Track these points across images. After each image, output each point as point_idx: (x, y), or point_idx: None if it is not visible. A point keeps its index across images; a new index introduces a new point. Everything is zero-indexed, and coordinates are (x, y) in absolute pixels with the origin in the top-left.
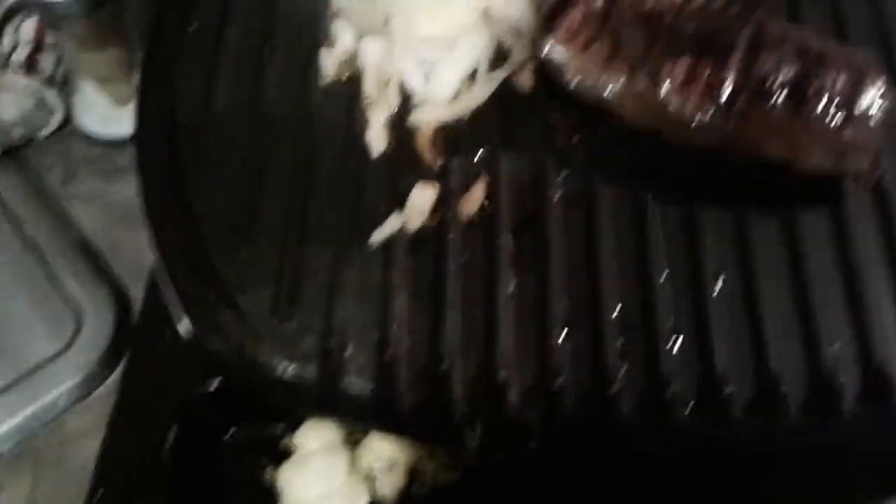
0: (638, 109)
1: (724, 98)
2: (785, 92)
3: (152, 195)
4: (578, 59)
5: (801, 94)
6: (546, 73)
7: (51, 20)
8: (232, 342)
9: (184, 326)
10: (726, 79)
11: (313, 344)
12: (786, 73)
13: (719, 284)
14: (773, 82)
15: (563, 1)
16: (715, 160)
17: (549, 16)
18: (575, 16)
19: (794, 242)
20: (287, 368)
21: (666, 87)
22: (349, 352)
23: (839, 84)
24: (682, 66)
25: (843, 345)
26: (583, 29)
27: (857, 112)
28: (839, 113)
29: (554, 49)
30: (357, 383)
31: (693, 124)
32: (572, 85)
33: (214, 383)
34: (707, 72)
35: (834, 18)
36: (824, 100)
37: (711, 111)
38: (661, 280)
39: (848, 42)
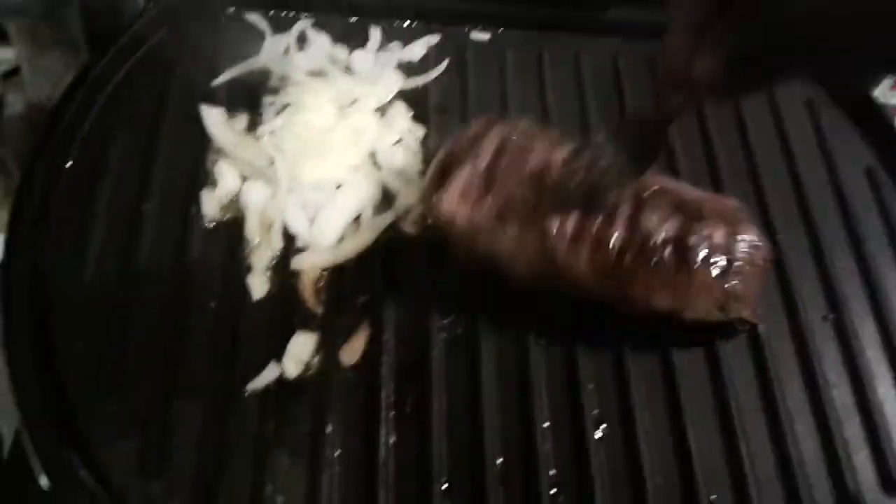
0: (530, 266)
1: (613, 254)
2: (668, 248)
3: (16, 337)
4: (469, 218)
5: (682, 250)
6: (435, 228)
7: None
8: (92, 502)
9: (42, 482)
10: (613, 235)
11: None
12: (667, 230)
13: (600, 432)
14: (657, 240)
15: (448, 162)
16: (598, 307)
17: (438, 177)
18: (462, 176)
19: (672, 385)
20: None
21: (556, 243)
22: None
23: (716, 237)
24: (570, 222)
25: (722, 493)
26: (471, 189)
27: (735, 263)
28: (719, 265)
29: (445, 210)
30: None
31: (583, 280)
32: (464, 243)
33: None
34: (595, 228)
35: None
36: (703, 253)
37: (601, 266)
38: (544, 427)
39: (722, 188)
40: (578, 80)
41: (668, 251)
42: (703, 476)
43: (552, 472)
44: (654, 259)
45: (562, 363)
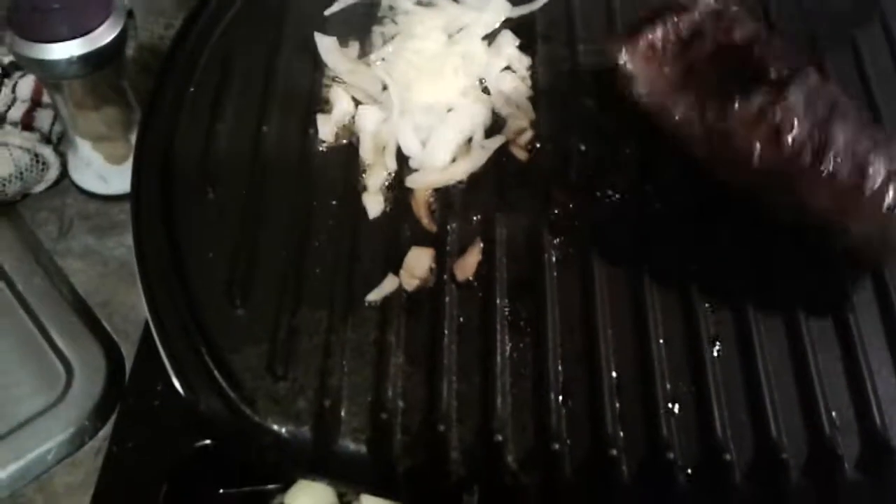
0: (700, 140)
1: (789, 149)
2: (847, 162)
3: (147, 255)
4: (652, 75)
5: (860, 169)
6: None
7: (48, 81)
8: (224, 404)
9: (176, 384)
10: (794, 130)
11: (307, 405)
12: (850, 144)
13: (716, 351)
14: (838, 151)
15: (650, 17)
16: (711, 221)
17: (634, 27)
18: (658, 34)
19: (791, 312)
20: (280, 429)
21: (734, 122)
22: (343, 413)
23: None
24: (754, 104)
25: (843, 412)
26: (663, 49)
27: None
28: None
29: (631, 60)
30: (351, 446)
31: (754, 164)
32: (641, 97)
33: (206, 441)
34: (778, 116)
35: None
36: (881, 179)
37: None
38: (659, 344)
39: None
40: None
41: (846, 163)
42: (824, 392)
43: (668, 387)
44: (830, 168)
45: (674, 283)
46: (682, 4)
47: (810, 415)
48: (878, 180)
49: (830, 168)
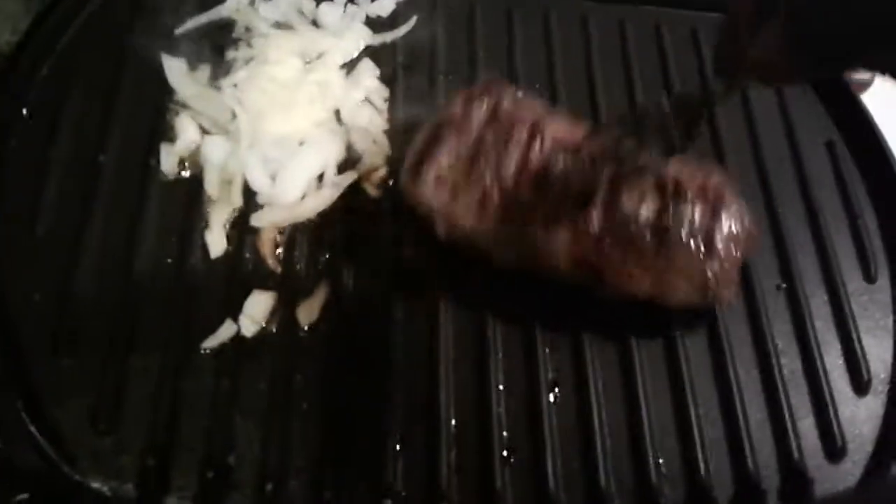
0: (510, 255)
1: (591, 241)
2: (648, 230)
3: None
4: (449, 205)
5: (661, 232)
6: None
7: None
8: (41, 459)
9: None
10: (591, 221)
11: (132, 461)
12: (647, 210)
13: (552, 396)
14: (636, 221)
15: (428, 146)
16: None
17: (416, 162)
18: (442, 162)
19: (626, 349)
20: (101, 487)
21: (536, 228)
22: (171, 469)
23: (697, 215)
24: (550, 207)
25: (671, 460)
26: (450, 175)
27: (717, 244)
28: (701, 247)
29: (424, 197)
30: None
31: (561, 265)
32: (442, 230)
33: (19, 497)
34: (574, 212)
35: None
36: (684, 235)
37: (581, 255)
38: (499, 389)
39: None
40: (547, 40)
41: (647, 234)
42: (653, 439)
43: (505, 434)
44: (634, 242)
45: (519, 330)
46: (452, 118)
47: (640, 462)
48: (680, 237)
49: (634, 242)
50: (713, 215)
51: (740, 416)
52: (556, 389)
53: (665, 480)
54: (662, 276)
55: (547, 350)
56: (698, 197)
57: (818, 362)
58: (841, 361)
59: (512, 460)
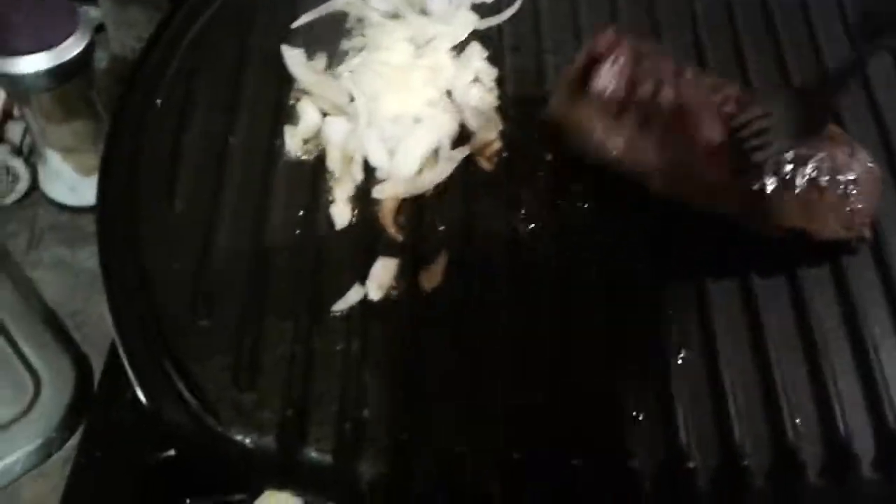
0: (664, 174)
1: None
2: (801, 171)
3: (111, 265)
4: (609, 125)
5: (813, 173)
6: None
7: (17, 94)
8: (187, 414)
9: (139, 395)
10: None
11: (272, 415)
12: (797, 153)
13: (681, 357)
14: (793, 163)
15: (586, 69)
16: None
17: (575, 80)
18: (602, 82)
19: (754, 312)
20: (244, 440)
21: (698, 156)
22: (309, 423)
23: (839, 158)
24: (714, 136)
25: (806, 419)
26: (611, 96)
27: (856, 183)
28: (844, 185)
29: (582, 116)
30: (316, 456)
31: (721, 192)
32: (599, 151)
33: (171, 452)
34: (736, 146)
35: None
36: (829, 176)
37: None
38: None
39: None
40: (654, 20)
41: (801, 174)
42: (788, 398)
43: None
44: (792, 182)
45: (645, 288)
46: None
47: (775, 421)
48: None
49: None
50: (851, 156)
51: (877, 374)
52: (684, 349)
53: (803, 438)
54: (816, 211)
55: (671, 311)
56: (834, 141)
57: None
58: None
59: (642, 421)
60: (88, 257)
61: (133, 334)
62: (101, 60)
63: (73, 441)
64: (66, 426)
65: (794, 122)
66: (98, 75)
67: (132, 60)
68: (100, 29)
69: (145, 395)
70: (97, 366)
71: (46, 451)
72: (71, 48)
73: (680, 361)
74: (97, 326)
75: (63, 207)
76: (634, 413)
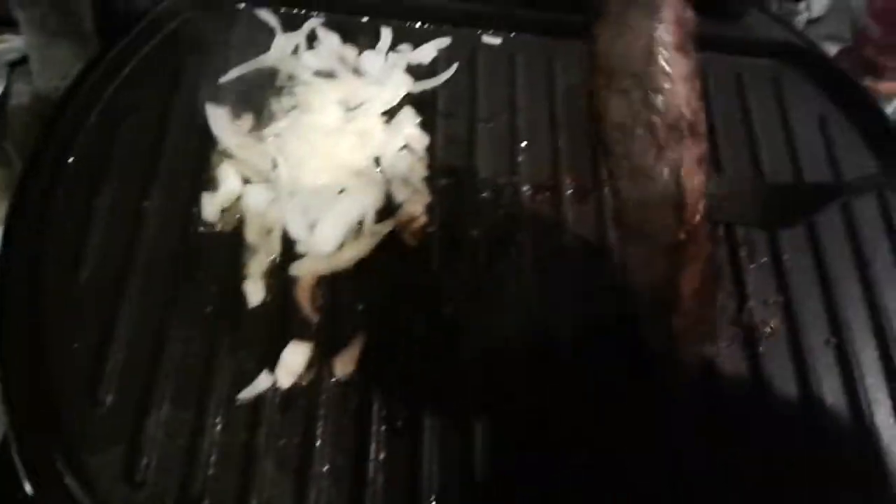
0: None
1: None
2: None
3: (7, 340)
4: None
5: None
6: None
7: None
8: None
9: (27, 489)
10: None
11: None
12: None
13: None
14: None
15: None
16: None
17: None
18: None
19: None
20: None
21: None
22: None
23: None
24: None
25: None
26: None
27: None
28: None
29: None
30: None
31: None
32: None
33: None
34: None
35: None
36: None
37: None
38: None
39: None
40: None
41: None
42: None
43: None
44: None
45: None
46: None
47: None
48: None
49: None
50: None
51: None
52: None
53: None
54: None
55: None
56: None
57: None
58: None
59: None
60: None
61: (23, 416)
62: (21, 95)
63: None
64: None
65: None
66: (17, 112)
67: (54, 100)
68: (21, 62)
69: (32, 488)
70: None
71: None
72: None
73: None
74: None
75: None
76: None
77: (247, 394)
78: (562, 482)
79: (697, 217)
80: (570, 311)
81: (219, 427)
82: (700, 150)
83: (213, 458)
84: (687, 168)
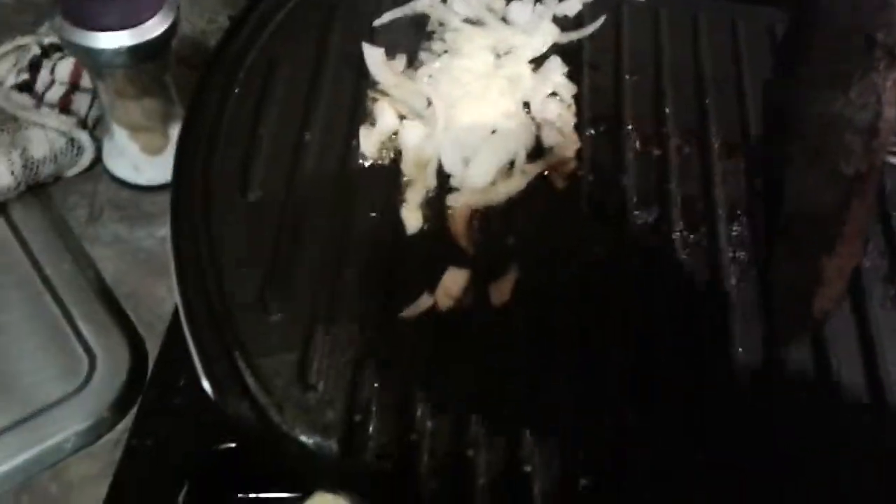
0: None
1: None
2: None
3: (183, 251)
4: None
5: None
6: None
7: (93, 68)
8: (252, 408)
9: (205, 386)
10: None
11: (336, 417)
12: None
13: None
14: None
15: None
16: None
17: None
18: None
19: None
20: (307, 440)
21: None
22: (372, 430)
23: None
24: None
25: None
26: None
27: None
28: None
29: None
30: (377, 463)
31: None
32: None
33: (227, 444)
34: None
35: None
36: None
37: None
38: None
39: None
40: (735, 48)
41: None
42: None
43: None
44: None
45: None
46: None
47: None
48: None
49: None
50: None
51: None
52: None
53: None
54: None
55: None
56: None
57: None
58: None
59: None
60: (146, 237)
61: (202, 322)
62: None
63: (124, 424)
64: (118, 408)
65: None
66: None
67: (202, 43)
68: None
69: (212, 386)
70: (151, 349)
71: (97, 431)
72: (155, 27)
73: None
74: (152, 309)
75: (124, 185)
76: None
77: (409, 312)
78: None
79: (884, 151)
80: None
81: (382, 341)
82: None
83: (378, 370)
84: (889, 94)
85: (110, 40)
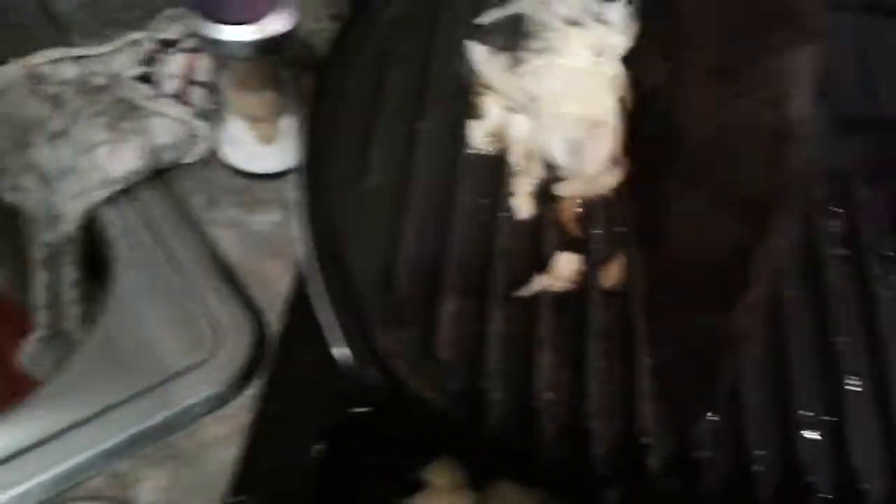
0: None
1: None
2: None
3: (317, 237)
4: None
5: None
6: None
7: (217, 59)
8: (388, 375)
9: (339, 353)
10: None
11: (461, 385)
12: None
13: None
14: None
15: None
16: None
17: None
18: None
19: None
20: (434, 405)
21: None
22: (495, 398)
23: None
24: None
25: None
26: None
27: None
28: None
29: None
30: (500, 430)
31: None
32: None
33: (358, 409)
34: None
35: None
36: None
37: None
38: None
39: None
40: None
41: None
42: None
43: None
44: None
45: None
46: None
47: None
48: None
49: None
50: None
51: None
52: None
53: None
54: None
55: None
56: None
57: None
58: None
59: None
60: (260, 222)
61: (336, 298)
62: None
63: (249, 391)
64: (243, 376)
65: None
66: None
67: (309, 42)
68: None
69: (348, 356)
70: (268, 324)
71: (224, 397)
72: (279, 23)
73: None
74: (266, 289)
75: (238, 172)
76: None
77: (525, 291)
78: None
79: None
80: None
81: (501, 318)
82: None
83: (498, 344)
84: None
85: (237, 33)
